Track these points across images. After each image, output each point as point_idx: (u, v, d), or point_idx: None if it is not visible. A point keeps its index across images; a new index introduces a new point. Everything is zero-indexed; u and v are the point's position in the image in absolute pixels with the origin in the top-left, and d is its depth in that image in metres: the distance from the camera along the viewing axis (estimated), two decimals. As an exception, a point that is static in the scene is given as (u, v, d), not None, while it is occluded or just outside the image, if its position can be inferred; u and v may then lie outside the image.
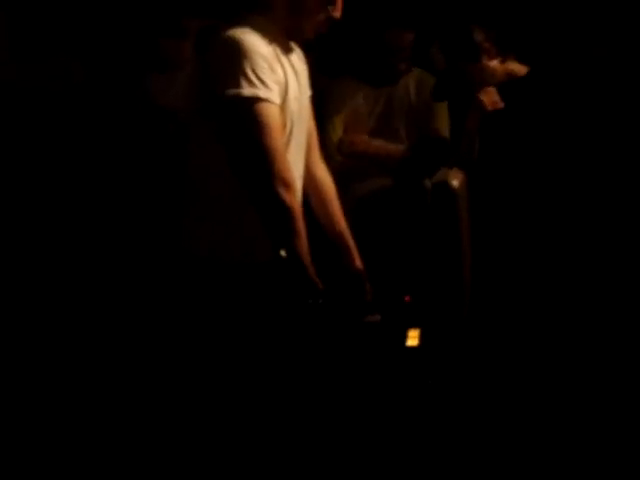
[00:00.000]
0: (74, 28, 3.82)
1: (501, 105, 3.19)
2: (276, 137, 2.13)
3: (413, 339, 2.77)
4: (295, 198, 2.18)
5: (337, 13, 2.24)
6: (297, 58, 2.34)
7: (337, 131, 3.54)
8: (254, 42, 2.13)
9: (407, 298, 2.84)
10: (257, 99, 2.11)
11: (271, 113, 2.13)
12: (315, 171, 2.47)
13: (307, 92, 2.39)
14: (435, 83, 3.48)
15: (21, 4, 3.62)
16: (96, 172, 3.57)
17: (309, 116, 2.39)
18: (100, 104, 3.61)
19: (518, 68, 3.23)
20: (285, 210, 2.13)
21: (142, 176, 3.54)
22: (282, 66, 2.21)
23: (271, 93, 2.13)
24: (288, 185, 2.14)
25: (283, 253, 2.20)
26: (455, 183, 3.30)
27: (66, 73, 3.69)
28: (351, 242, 2.47)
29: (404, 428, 2.89)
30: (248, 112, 2.11)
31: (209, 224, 2.25)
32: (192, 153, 2.27)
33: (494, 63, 3.19)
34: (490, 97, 3.17)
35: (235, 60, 2.11)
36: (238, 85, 2.10)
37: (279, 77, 2.17)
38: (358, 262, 2.46)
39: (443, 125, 3.58)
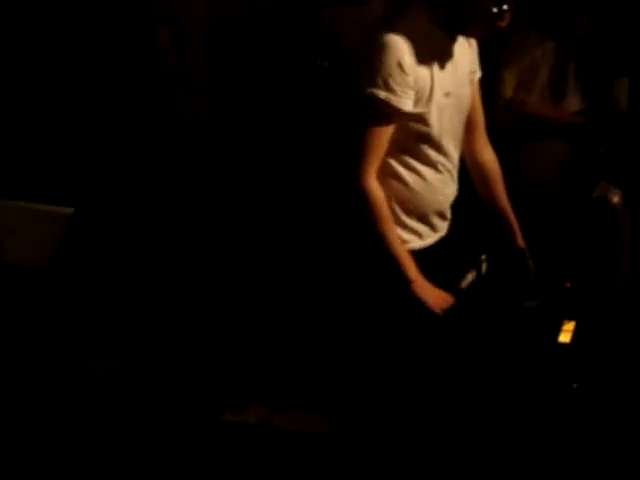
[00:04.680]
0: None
1: None
2: (378, 137, 2.23)
3: (566, 334, 2.63)
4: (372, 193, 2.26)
5: (503, 24, 2.21)
6: (460, 44, 2.32)
7: (508, 87, 3.29)
8: (402, 49, 2.18)
9: (567, 284, 2.74)
10: (376, 99, 2.20)
11: (384, 115, 2.22)
12: (480, 152, 2.50)
13: (474, 75, 2.40)
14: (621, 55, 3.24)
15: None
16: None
17: (471, 102, 2.42)
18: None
19: None
20: (361, 198, 2.24)
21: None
22: (431, 68, 2.24)
23: (397, 99, 2.20)
24: (368, 183, 2.24)
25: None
26: (616, 200, 3.21)
27: None
28: (514, 221, 2.51)
29: (536, 424, 2.68)
30: (364, 107, 2.22)
31: None
32: None
33: None
34: None
35: (375, 61, 2.19)
36: (372, 84, 2.19)
37: (422, 83, 2.22)
38: (521, 240, 2.51)
39: (622, 96, 3.30)
